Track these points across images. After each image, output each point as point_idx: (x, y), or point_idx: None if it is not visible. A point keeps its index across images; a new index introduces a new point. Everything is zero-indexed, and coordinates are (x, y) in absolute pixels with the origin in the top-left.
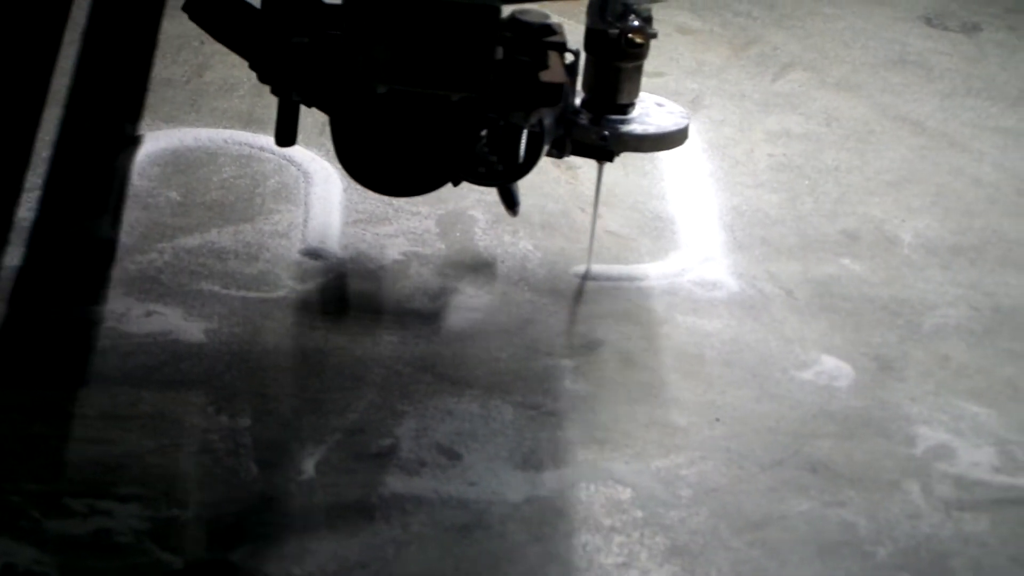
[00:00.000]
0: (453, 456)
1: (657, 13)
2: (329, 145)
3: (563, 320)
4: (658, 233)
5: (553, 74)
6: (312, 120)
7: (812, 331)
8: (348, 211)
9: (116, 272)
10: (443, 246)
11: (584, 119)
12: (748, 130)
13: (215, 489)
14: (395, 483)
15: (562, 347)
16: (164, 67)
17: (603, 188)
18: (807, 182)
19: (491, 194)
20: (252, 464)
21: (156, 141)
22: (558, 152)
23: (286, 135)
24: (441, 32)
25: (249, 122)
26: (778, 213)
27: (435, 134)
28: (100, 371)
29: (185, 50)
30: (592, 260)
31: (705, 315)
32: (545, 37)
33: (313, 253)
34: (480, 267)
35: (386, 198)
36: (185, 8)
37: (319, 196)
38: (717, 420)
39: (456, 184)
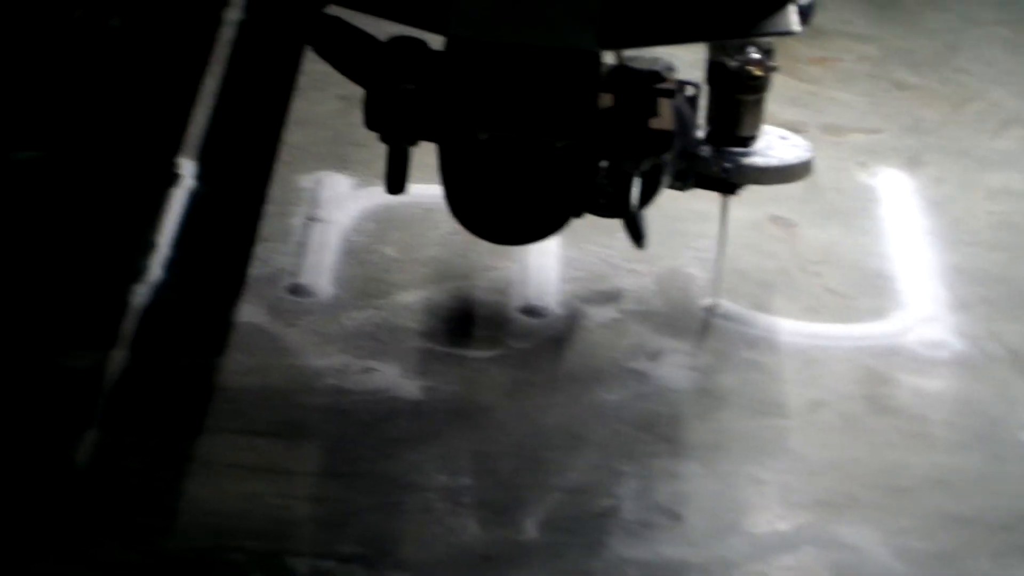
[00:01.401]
0: (674, 517)
1: (874, 69)
2: None
3: (784, 380)
4: (879, 292)
5: (662, 121)
6: None
7: None
8: (565, 268)
9: (334, 328)
10: (661, 304)
11: (706, 152)
12: (968, 188)
13: (435, 549)
14: (616, 545)
15: (781, 407)
16: None
17: (823, 247)
18: None
19: (708, 252)
20: (472, 523)
21: (372, 197)
22: (681, 184)
23: (396, 183)
24: (540, 78)
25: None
26: (1000, 272)
27: (548, 179)
28: (320, 428)
29: None
30: (721, 295)
31: (928, 375)
32: (654, 84)
33: (531, 311)
34: (698, 326)
35: (602, 256)
36: (309, 43)
37: (536, 253)
38: (942, 482)
39: (578, 217)
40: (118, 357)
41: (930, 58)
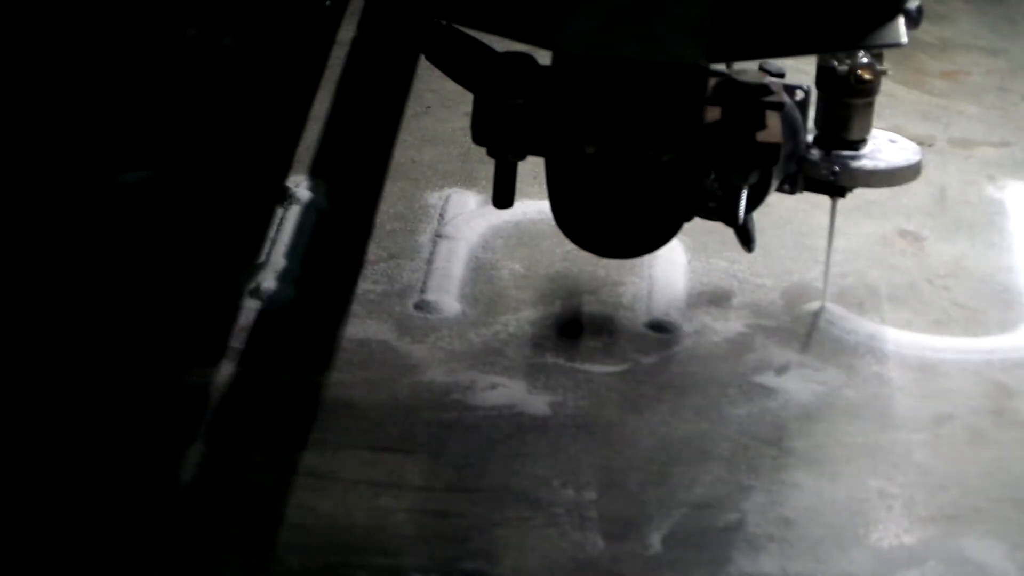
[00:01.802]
0: (801, 531)
1: (1003, 82)
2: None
3: (911, 393)
4: (1007, 305)
5: (770, 134)
6: None
7: None
8: (692, 282)
9: (461, 344)
10: (788, 319)
11: (815, 155)
12: None
13: (561, 564)
14: (742, 559)
15: (907, 421)
16: None
17: (951, 261)
18: None
19: (837, 265)
20: (598, 538)
21: (500, 213)
22: (790, 188)
23: (504, 197)
24: (646, 92)
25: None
26: None
27: (654, 193)
28: (445, 443)
29: None
30: (827, 298)
31: None
32: (762, 97)
33: (658, 326)
34: (825, 340)
35: (731, 270)
36: (422, 51)
37: (663, 268)
38: None
39: (689, 220)
40: (241, 373)
41: None
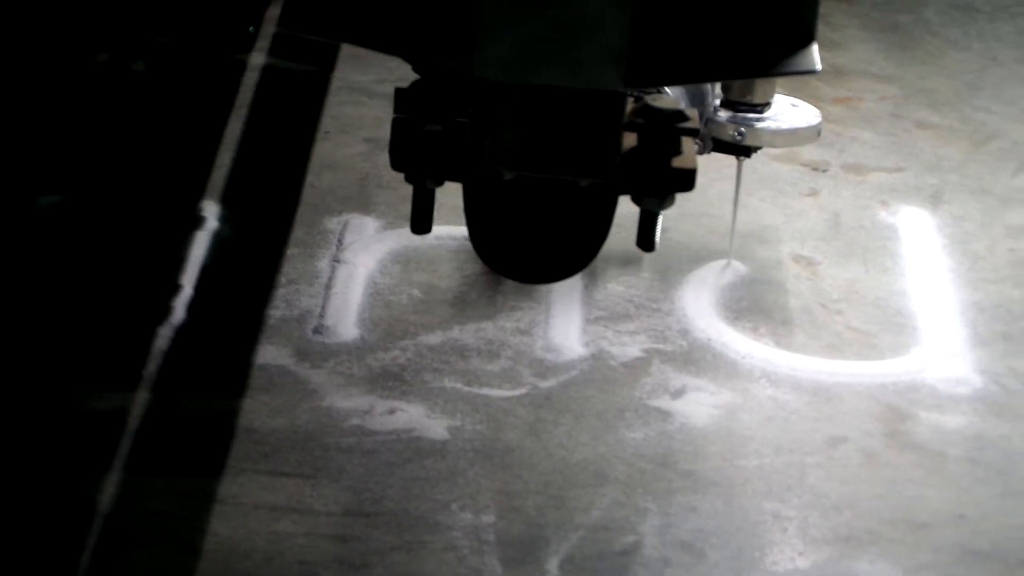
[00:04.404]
0: (697, 554)
1: (896, 109)
2: None
3: (805, 417)
4: (900, 329)
5: (685, 160)
6: None
7: None
8: (589, 308)
9: (360, 369)
10: (684, 343)
11: (722, 117)
12: (989, 225)
13: None
14: None
15: (805, 443)
16: None
17: (845, 285)
18: None
19: (731, 289)
20: (496, 562)
21: (398, 238)
22: (699, 149)
23: (422, 223)
24: (565, 119)
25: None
26: (1021, 309)
27: (572, 218)
28: (345, 468)
29: None
30: (732, 256)
31: (948, 412)
32: (677, 123)
33: (555, 350)
34: (720, 364)
35: (627, 295)
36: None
37: (560, 293)
38: (961, 517)
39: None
40: (142, 398)
41: (951, 97)
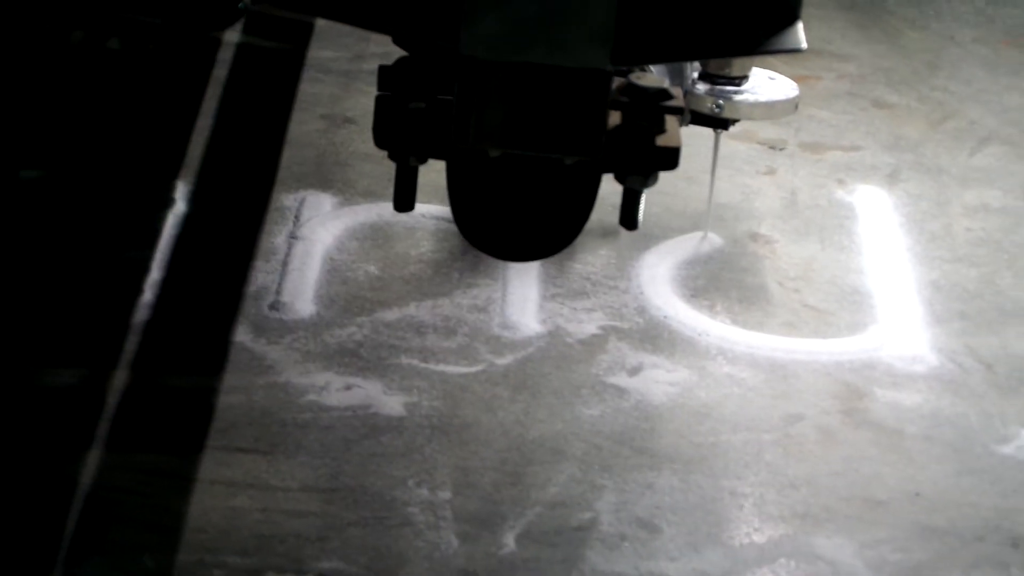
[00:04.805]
0: (653, 530)
1: (853, 87)
2: None
3: (762, 394)
4: (856, 307)
5: (670, 138)
6: None
7: (1012, 406)
8: (545, 285)
9: (316, 345)
10: (641, 321)
11: (701, 90)
12: (946, 204)
13: (416, 563)
14: (596, 558)
15: (758, 421)
16: (362, 142)
17: (802, 263)
18: (1006, 256)
19: (687, 267)
20: (452, 538)
21: (355, 215)
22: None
23: (404, 200)
24: (552, 97)
25: (447, 197)
26: (976, 287)
27: (556, 196)
28: (301, 443)
29: None
30: (709, 227)
31: (904, 389)
32: (662, 101)
33: (512, 327)
34: (677, 341)
35: (584, 272)
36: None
37: (516, 270)
38: (918, 495)
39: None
40: (102, 375)
41: (909, 77)
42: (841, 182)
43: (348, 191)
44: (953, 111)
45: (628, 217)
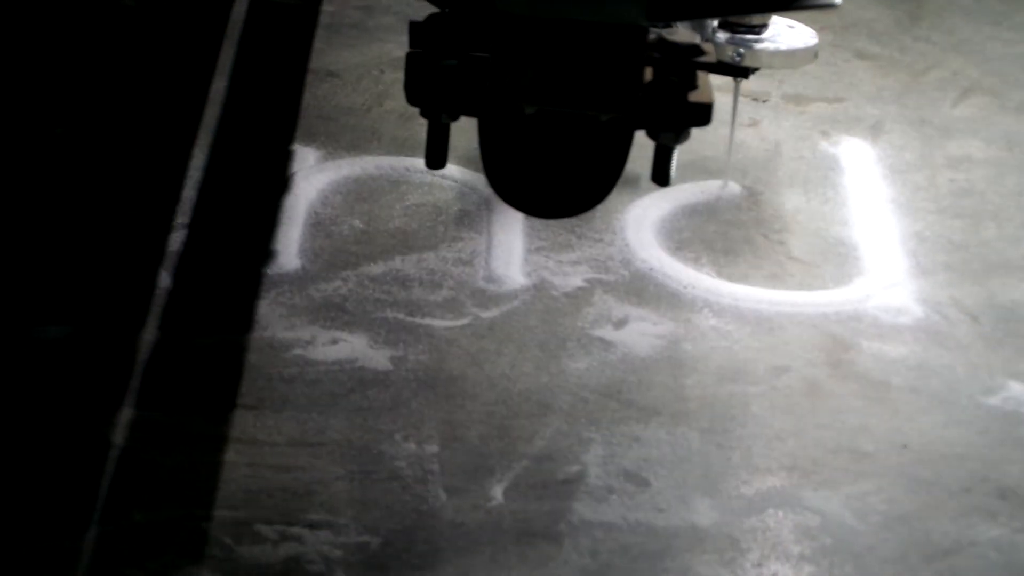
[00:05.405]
0: (641, 483)
1: (836, 39)
2: None
3: (748, 347)
4: (841, 259)
5: (702, 94)
6: None
7: (998, 357)
8: (530, 238)
9: (301, 300)
10: (627, 273)
11: (721, 38)
12: (929, 156)
13: (404, 516)
14: (583, 510)
15: (745, 374)
16: (345, 96)
17: (786, 215)
18: (990, 207)
19: (670, 220)
20: (440, 491)
21: (339, 169)
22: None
23: (436, 158)
24: (588, 53)
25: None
26: (961, 238)
27: (590, 152)
28: (288, 398)
29: (365, 79)
30: (730, 176)
31: (890, 341)
32: (694, 57)
33: (497, 280)
34: (664, 294)
35: (569, 225)
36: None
37: (501, 223)
38: (904, 447)
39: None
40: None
41: (891, 27)
42: (825, 134)
43: (332, 145)
44: (936, 62)
45: (660, 173)
